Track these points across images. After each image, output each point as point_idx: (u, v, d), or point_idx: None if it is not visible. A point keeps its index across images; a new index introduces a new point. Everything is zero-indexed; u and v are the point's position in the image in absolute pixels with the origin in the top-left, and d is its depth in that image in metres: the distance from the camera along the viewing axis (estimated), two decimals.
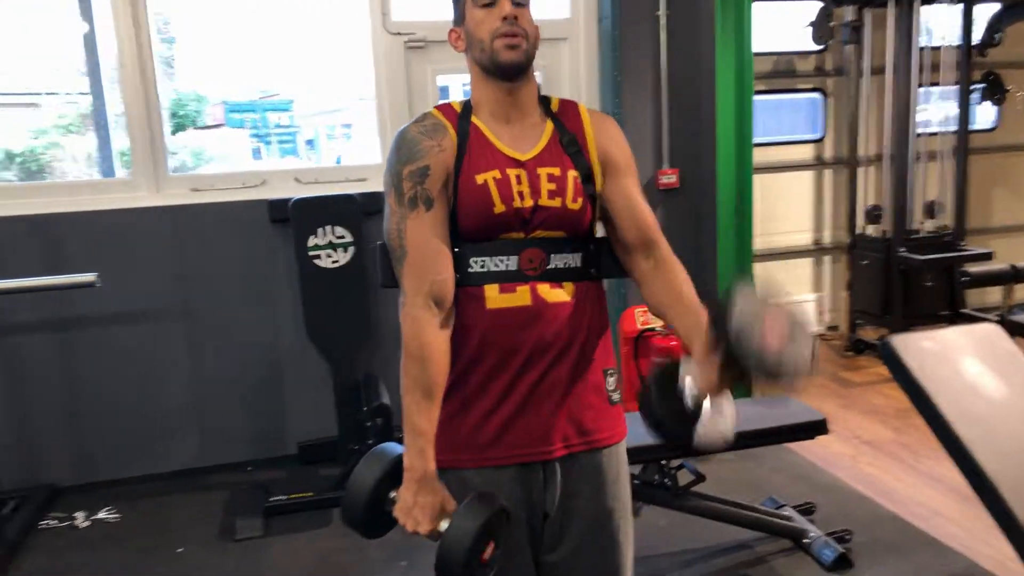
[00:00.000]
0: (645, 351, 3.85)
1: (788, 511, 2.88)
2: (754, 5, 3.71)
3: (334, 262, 3.25)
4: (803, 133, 5.36)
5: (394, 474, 1.34)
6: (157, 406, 3.52)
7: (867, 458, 3.48)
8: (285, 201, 3.34)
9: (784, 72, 5.15)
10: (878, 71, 4.92)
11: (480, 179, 1.39)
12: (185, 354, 3.52)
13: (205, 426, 3.58)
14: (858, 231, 4.95)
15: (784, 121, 5.55)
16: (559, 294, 1.41)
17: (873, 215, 4.73)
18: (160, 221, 3.42)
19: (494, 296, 1.39)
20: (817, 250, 5.41)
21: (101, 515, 3.19)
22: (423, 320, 1.36)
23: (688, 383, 1.30)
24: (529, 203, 1.40)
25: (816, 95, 5.27)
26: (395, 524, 1.36)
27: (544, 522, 1.47)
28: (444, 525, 1.30)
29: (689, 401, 1.30)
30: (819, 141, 5.31)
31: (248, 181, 3.56)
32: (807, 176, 5.35)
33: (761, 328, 1.22)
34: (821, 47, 5.06)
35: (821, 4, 4.86)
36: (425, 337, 1.35)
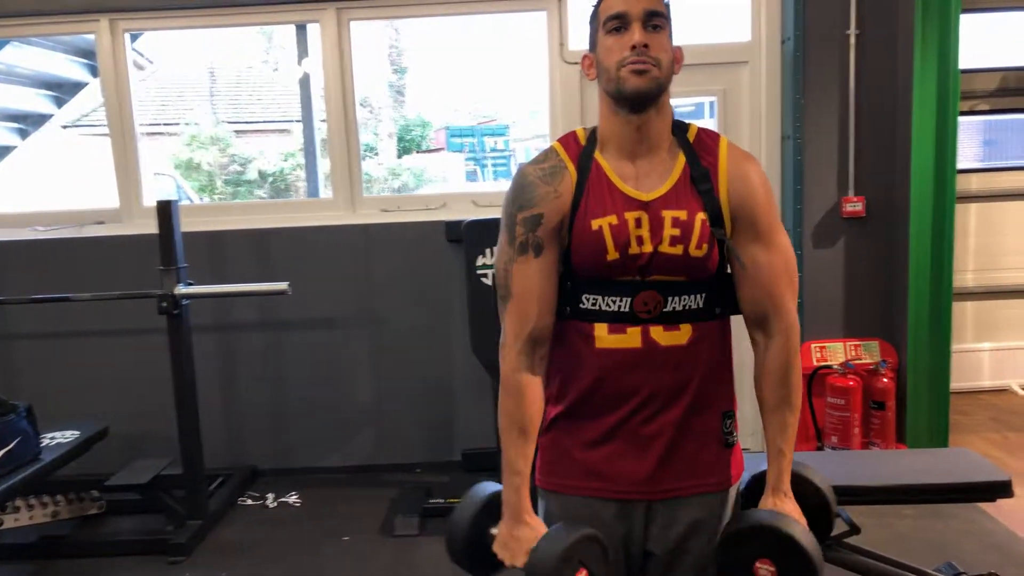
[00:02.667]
0: (820, 390, 3.62)
1: None
2: (970, 17, 3.38)
3: None
4: None
5: (493, 510, 1.41)
6: (343, 405, 3.87)
7: None
8: (460, 222, 3.54)
9: (1015, 90, 4.60)
10: None
11: (596, 224, 1.33)
12: (369, 360, 3.84)
13: (383, 427, 3.88)
14: None
15: (1017, 145, 4.95)
16: (674, 337, 1.36)
17: None
18: (354, 237, 3.78)
19: (603, 336, 1.37)
20: None
21: (288, 499, 3.58)
22: (521, 363, 1.38)
23: None
24: (648, 248, 1.33)
25: None
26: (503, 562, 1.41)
27: (647, 561, 1.45)
28: None
29: None
30: None
31: (431, 203, 3.83)
32: None
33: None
34: None
35: None
36: (522, 378, 1.39)
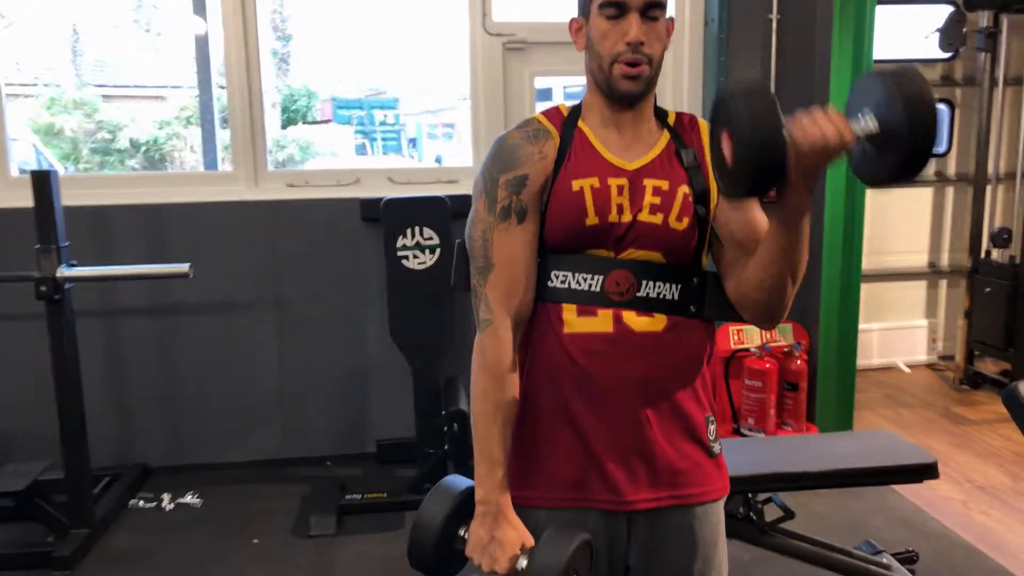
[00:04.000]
0: (737, 372, 3.67)
1: (887, 558, 2.65)
2: (876, 9, 3.47)
3: (420, 263, 3.23)
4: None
5: (463, 510, 1.28)
6: (246, 395, 3.59)
7: (979, 505, 3.19)
8: (377, 200, 3.34)
9: None
10: (1013, 82, 4.54)
11: (576, 185, 1.26)
12: (275, 346, 3.58)
13: (290, 418, 3.64)
14: (982, 255, 4.57)
15: None
16: (649, 323, 1.26)
17: (1001, 238, 4.35)
18: (257, 215, 3.49)
19: (572, 319, 1.27)
20: (932, 273, 5.04)
21: (186, 499, 3.28)
22: (508, 341, 1.27)
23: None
24: (627, 217, 1.26)
25: (941, 106, 4.91)
26: (464, 563, 1.29)
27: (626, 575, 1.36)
28: (523, 563, 1.21)
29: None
30: (942, 156, 4.95)
31: (343, 179, 3.59)
32: (925, 193, 5.00)
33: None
34: (950, 55, 4.70)
35: (951, 9, 4.51)
36: (509, 359, 1.27)
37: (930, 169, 4.95)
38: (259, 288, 3.53)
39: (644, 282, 1.27)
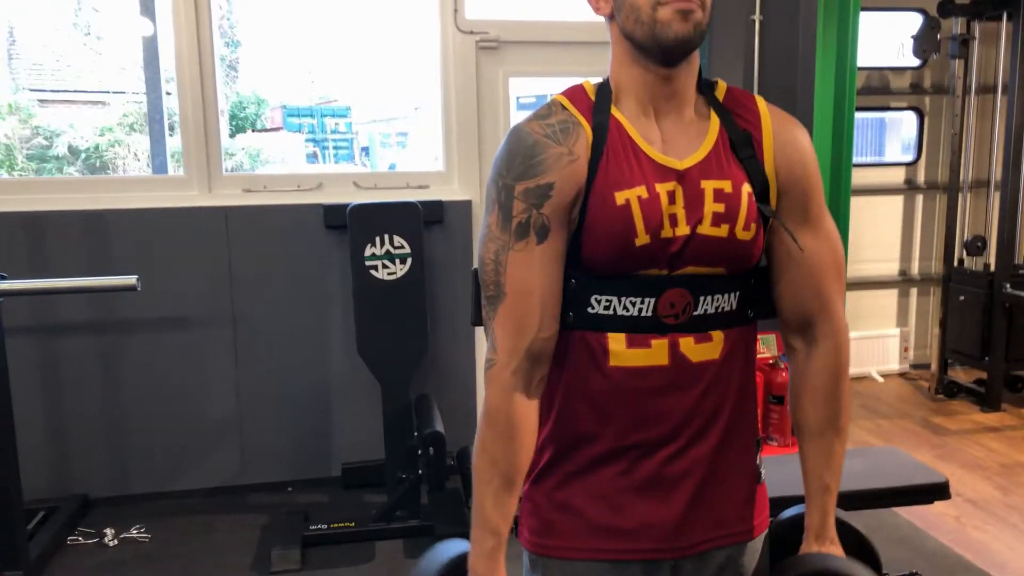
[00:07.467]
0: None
1: None
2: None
3: (391, 274, 3.01)
4: (889, 155, 4.98)
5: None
6: (198, 418, 3.32)
7: (973, 520, 3.09)
8: (343, 206, 3.12)
9: (876, 88, 4.79)
10: (983, 90, 4.53)
11: (621, 198, 1.03)
12: (230, 364, 3.31)
13: (246, 441, 3.37)
14: (955, 263, 4.53)
15: (872, 141, 5.18)
16: (706, 350, 1.08)
17: (975, 246, 4.32)
18: (211, 222, 3.23)
19: (620, 350, 1.07)
20: (903, 281, 5.01)
21: (132, 533, 2.99)
22: (517, 389, 1.06)
23: None
24: (684, 230, 1.05)
25: (908, 114, 4.89)
26: None
27: None
28: None
29: None
30: (911, 164, 4.93)
31: (304, 184, 3.35)
32: (896, 201, 4.97)
33: None
34: (920, 63, 4.69)
35: (923, 17, 4.49)
36: (517, 411, 1.07)
37: (900, 177, 4.93)
38: (213, 301, 3.26)
39: (702, 298, 1.07)
